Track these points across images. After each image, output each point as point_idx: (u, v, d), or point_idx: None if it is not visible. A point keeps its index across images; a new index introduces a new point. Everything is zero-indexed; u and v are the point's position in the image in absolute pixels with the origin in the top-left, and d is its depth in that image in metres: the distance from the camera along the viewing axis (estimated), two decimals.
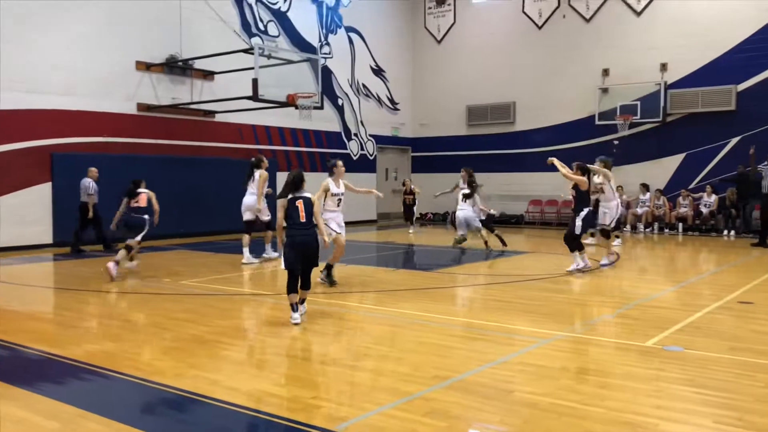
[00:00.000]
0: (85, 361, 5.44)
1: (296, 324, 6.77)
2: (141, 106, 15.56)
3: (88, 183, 13.27)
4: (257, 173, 11.68)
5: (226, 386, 4.78)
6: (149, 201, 10.73)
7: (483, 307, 7.82)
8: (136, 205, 10.69)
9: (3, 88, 13.18)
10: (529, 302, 8.13)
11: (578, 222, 10.17)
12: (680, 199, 18.10)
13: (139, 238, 10.69)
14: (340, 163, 9.09)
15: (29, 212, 13.65)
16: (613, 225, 11.37)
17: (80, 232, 13.39)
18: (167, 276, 10.26)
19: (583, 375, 5.04)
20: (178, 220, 15.89)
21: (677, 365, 5.26)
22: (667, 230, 18.03)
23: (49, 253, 13.29)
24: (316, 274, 8.19)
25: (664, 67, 18.68)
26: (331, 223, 8.90)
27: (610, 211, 11.24)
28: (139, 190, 10.83)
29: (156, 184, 15.19)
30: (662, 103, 18.57)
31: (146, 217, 10.66)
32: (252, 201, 11.65)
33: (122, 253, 10.39)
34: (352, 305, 8.03)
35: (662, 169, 18.89)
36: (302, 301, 7.11)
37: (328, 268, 9.19)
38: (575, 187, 10.36)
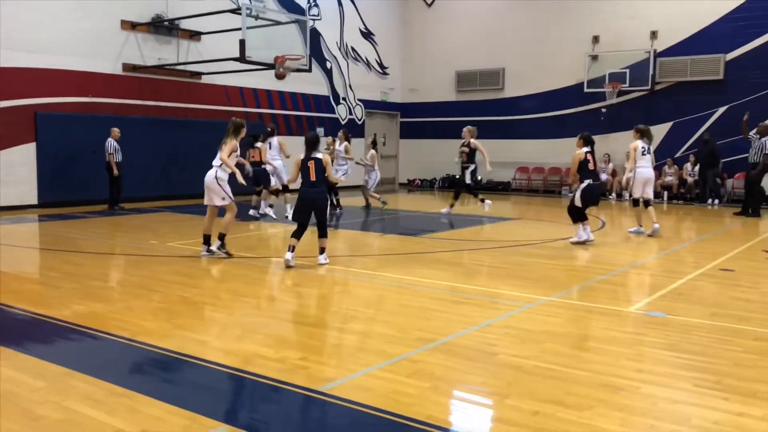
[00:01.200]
0: (72, 321, 5.45)
1: (289, 267, 7.66)
2: (126, 66, 15.33)
3: (109, 142, 13.69)
4: (275, 140, 12.93)
5: (213, 347, 4.82)
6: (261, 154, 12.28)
7: (468, 272, 7.89)
8: (252, 159, 12.24)
9: None
10: (514, 267, 8.21)
11: (577, 194, 9.78)
12: (666, 167, 18.20)
13: (273, 184, 12.57)
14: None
15: (13, 172, 13.50)
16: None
17: (113, 190, 13.90)
18: (154, 237, 10.23)
19: (566, 339, 5.11)
20: (165, 182, 15.87)
21: (659, 330, 5.35)
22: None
23: (34, 214, 13.19)
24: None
25: (654, 34, 18.61)
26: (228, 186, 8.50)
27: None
28: (257, 144, 12.35)
29: (141, 145, 15.20)
30: (651, 71, 18.55)
31: (265, 167, 12.31)
32: (277, 165, 12.79)
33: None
34: (339, 269, 8.06)
35: None
36: (322, 251, 8.01)
37: (222, 238, 8.52)
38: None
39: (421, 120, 22.95)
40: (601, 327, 5.46)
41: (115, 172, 13.72)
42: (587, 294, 6.73)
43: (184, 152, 16.11)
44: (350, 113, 21.73)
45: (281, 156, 12.99)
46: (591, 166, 9.73)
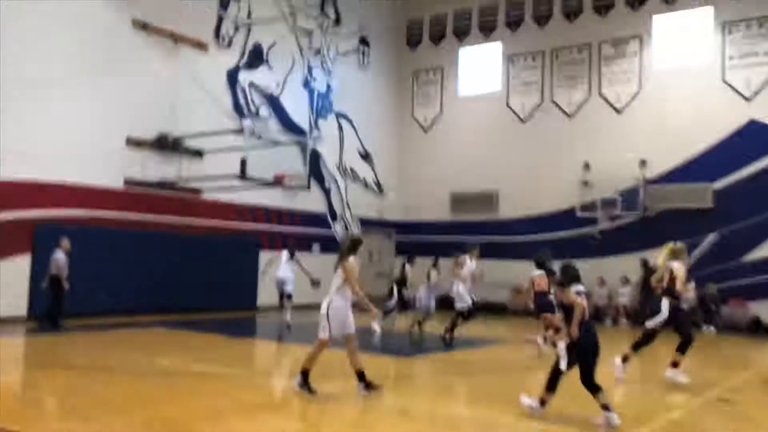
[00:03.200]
0: None
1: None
2: (129, 182, 15.62)
3: (60, 257, 12.92)
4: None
5: None
6: None
7: (470, 397, 7.70)
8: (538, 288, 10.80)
9: None
10: (504, 391, 8.02)
11: None
12: None
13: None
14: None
15: (6, 283, 13.40)
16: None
17: (55, 306, 12.96)
18: (144, 356, 10.03)
19: None
20: (161, 297, 15.68)
21: None
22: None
23: (23, 327, 12.97)
24: None
25: (643, 163, 19.19)
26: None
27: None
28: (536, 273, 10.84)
29: (141, 260, 15.21)
30: (642, 198, 18.97)
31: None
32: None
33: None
34: (328, 393, 7.88)
35: None
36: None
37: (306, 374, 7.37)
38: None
39: (416, 237, 23.16)
40: None
41: (66, 286, 12.93)
42: (581, 424, 6.54)
43: (181, 267, 16.15)
44: (347, 230, 21.97)
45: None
46: None
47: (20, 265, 13.71)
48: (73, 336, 12.06)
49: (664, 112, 19.11)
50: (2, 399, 6.92)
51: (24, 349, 10.95)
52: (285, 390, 7.33)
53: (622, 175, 19.34)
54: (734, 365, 11.41)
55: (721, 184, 18.13)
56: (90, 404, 6.88)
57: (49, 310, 12.94)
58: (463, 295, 12.39)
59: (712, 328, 17.01)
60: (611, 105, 20.03)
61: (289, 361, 10.48)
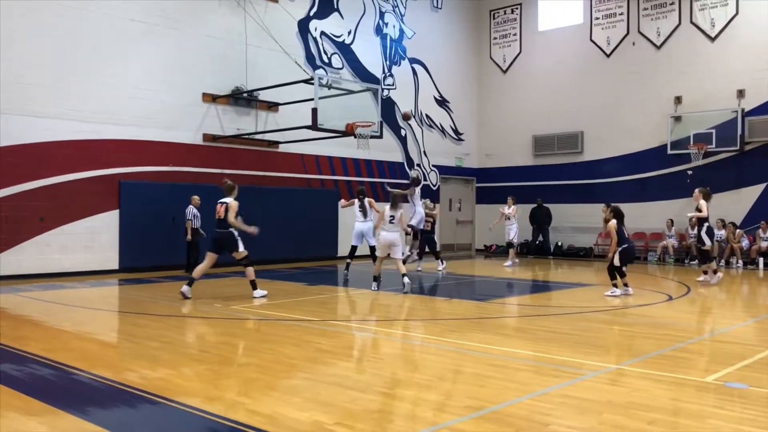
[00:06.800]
0: (122, 382, 5.41)
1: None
2: (207, 137, 15.93)
3: (190, 209, 14.23)
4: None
5: (249, 409, 4.62)
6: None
7: (532, 338, 7.44)
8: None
9: (78, 119, 13.78)
10: (584, 334, 7.69)
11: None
12: (760, 231, 17.03)
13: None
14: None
15: (97, 238, 14.07)
16: None
17: (190, 255, 14.30)
18: (218, 301, 10.29)
19: (629, 409, 4.62)
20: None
21: (738, 403, 4.78)
22: (738, 265, 16.94)
23: (114, 278, 13.63)
24: None
25: (741, 93, 17.80)
26: None
27: None
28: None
29: None
30: (740, 131, 17.65)
31: None
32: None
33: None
34: (398, 333, 7.79)
35: (740, 201, 17.88)
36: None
37: None
38: None
39: (497, 185, 22.63)
40: (670, 397, 4.93)
41: (188, 237, 14.06)
42: (661, 362, 6.15)
43: (260, 218, 16.40)
44: (425, 179, 21.69)
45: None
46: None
47: (110, 221, 14.32)
48: (161, 285, 12.53)
49: (762, 36, 17.57)
50: (82, 342, 7.24)
51: (114, 297, 11.45)
52: (353, 336, 7.28)
53: (717, 107, 18.06)
54: None
55: None
56: (162, 348, 7.07)
57: (189, 260, 14.22)
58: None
59: None
60: (704, 32, 18.59)
61: (363, 306, 10.45)
